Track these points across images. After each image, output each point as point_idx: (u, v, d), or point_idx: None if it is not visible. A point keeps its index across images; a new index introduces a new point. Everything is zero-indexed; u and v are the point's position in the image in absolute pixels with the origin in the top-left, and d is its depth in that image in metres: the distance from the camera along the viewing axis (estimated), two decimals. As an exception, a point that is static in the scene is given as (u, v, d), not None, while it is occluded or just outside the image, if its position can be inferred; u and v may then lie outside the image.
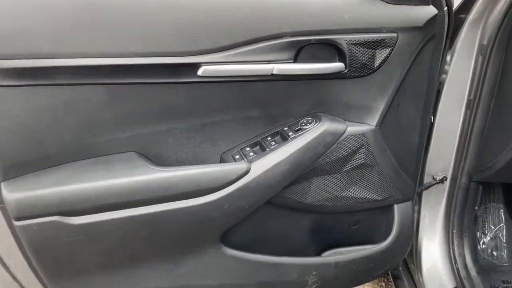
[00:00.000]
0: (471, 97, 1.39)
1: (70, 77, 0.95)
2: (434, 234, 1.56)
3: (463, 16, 1.36)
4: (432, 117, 1.42)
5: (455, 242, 1.53)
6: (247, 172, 1.08)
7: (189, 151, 1.13)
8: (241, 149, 1.16)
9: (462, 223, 1.54)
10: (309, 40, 1.06)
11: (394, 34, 1.10)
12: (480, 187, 1.53)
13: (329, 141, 1.15)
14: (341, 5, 1.07)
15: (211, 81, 1.04)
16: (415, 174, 1.37)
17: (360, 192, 1.25)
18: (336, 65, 1.10)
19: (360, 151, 1.20)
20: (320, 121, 1.15)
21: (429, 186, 1.52)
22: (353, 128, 1.18)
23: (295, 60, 1.07)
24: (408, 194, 1.35)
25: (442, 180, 1.54)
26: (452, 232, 1.53)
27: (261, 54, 1.04)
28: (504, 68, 1.33)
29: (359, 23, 1.08)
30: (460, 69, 1.39)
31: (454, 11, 1.20)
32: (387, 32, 1.10)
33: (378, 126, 1.20)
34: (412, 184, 1.35)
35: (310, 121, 1.17)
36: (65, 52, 0.93)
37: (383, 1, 1.09)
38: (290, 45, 1.05)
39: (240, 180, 1.07)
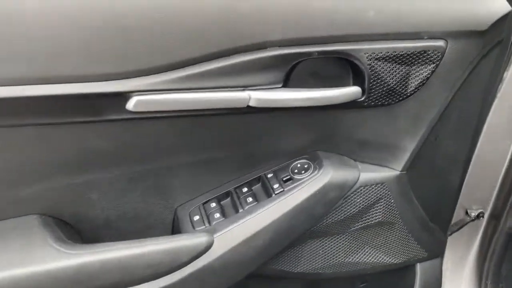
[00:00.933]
0: None
1: None
2: (459, 285, 1.22)
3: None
4: None
5: None
6: (207, 248, 0.72)
7: (126, 207, 0.77)
8: (204, 204, 0.80)
9: (500, 273, 1.19)
10: (309, 53, 0.67)
11: (441, 43, 0.71)
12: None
13: (333, 198, 0.79)
14: None
15: (149, 117, 0.66)
16: (448, 221, 1.02)
17: (371, 255, 0.90)
18: (350, 91, 0.71)
19: (377, 206, 0.84)
20: (320, 167, 0.78)
21: (461, 227, 1.17)
22: (368, 176, 0.81)
23: (286, 83, 0.69)
24: (437, 250, 1.00)
25: (478, 216, 1.18)
26: (486, 283, 1.19)
27: (230, 75, 0.65)
28: None
29: (388, 25, 0.68)
30: None
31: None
32: (431, 38, 0.70)
33: (405, 171, 0.83)
34: (443, 236, 0.99)
35: (306, 166, 0.79)
36: None
37: (428, -9, 0.69)
38: (277, 61, 0.66)
39: (197, 260, 0.72)
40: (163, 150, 0.72)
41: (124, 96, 0.62)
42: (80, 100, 0.61)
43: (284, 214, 0.75)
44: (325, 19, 0.65)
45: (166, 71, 0.62)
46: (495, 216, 1.17)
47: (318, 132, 0.79)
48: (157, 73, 0.62)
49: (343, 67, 0.72)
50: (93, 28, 0.58)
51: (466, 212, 1.19)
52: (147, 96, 0.62)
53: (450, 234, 1.18)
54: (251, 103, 0.67)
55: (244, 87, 0.66)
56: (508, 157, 1.08)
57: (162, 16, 0.60)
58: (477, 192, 1.15)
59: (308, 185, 0.76)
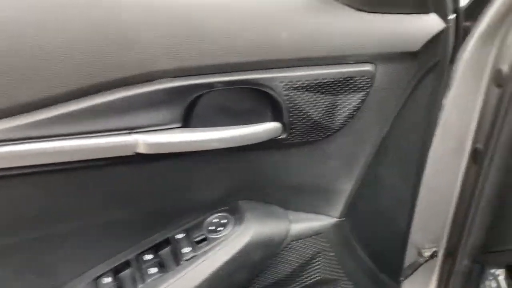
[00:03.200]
0: (480, 146, 0.92)
1: None
2: None
3: (469, 24, 0.87)
4: None
5: None
6: None
7: None
8: (96, 280, 0.63)
9: (460, 317, 1.08)
10: (209, 85, 0.54)
11: (369, 67, 0.60)
12: (488, 271, 1.07)
13: (259, 259, 0.64)
14: (272, 14, 0.56)
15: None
16: (400, 268, 0.90)
17: None
18: (266, 128, 0.58)
19: (315, 262, 0.70)
20: (241, 222, 0.64)
21: (416, 269, 1.05)
22: (301, 227, 0.68)
23: (187, 121, 0.55)
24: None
25: (432, 256, 1.07)
26: (446, 330, 1.07)
27: (109, 115, 0.51)
28: None
29: (306, 48, 0.57)
30: (462, 104, 0.91)
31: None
32: (357, 63, 0.60)
33: (343, 217, 0.70)
34: (395, 286, 0.87)
35: (223, 221, 0.65)
36: None
37: (351, 7, 0.58)
38: (171, 95, 0.53)
39: None
40: (27, 218, 0.56)
41: None
42: None
43: (197, 285, 0.59)
44: (226, 43, 0.53)
45: (18, 113, 0.47)
46: (451, 254, 1.06)
47: (237, 178, 0.65)
48: (6, 116, 0.47)
49: (260, 99, 0.59)
50: None
51: (419, 253, 1.08)
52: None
53: (404, 280, 1.06)
54: (140, 150, 0.52)
55: (131, 129, 0.52)
56: (457, 189, 0.99)
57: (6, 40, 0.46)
58: (429, 230, 1.04)
59: (227, 246, 0.62)
